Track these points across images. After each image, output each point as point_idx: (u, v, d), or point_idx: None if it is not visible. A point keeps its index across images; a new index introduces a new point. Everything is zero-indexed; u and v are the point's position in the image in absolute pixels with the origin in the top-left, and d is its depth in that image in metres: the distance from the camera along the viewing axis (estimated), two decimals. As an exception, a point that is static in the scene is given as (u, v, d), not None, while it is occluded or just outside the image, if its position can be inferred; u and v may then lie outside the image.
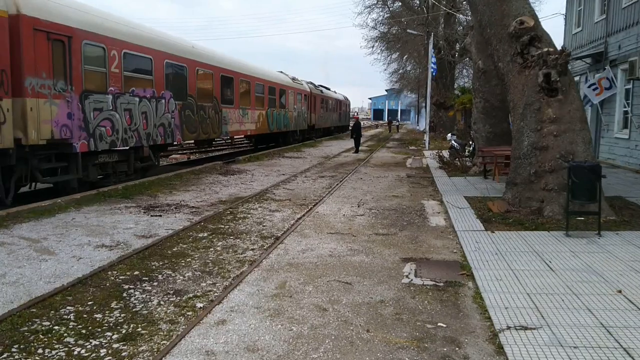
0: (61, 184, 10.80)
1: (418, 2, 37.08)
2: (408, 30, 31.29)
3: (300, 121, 30.40)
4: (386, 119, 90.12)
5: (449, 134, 22.49)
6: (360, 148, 26.62)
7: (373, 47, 41.21)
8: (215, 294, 5.28)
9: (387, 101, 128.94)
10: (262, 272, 5.99)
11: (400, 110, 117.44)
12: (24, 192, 11.05)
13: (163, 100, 14.04)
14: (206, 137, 17.61)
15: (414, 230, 8.28)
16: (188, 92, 15.55)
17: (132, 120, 12.60)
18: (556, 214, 8.64)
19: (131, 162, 13.06)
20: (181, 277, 5.80)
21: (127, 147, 12.59)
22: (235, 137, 22.12)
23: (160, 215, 9.07)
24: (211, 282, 5.64)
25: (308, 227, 8.41)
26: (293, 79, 29.90)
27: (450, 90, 35.80)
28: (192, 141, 18.29)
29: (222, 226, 8.41)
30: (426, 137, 29.09)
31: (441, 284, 5.65)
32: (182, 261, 6.42)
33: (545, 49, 9.37)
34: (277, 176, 15.21)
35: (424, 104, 56.64)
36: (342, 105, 46.26)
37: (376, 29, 39.01)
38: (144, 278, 5.75)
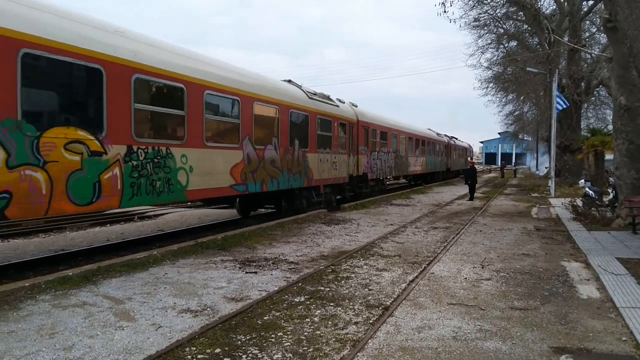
0: (357, 193, 20.88)
1: (537, 40, 34.62)
2: (528, 69, 28.98)
3: (442, 164, 41.32)
4: (499, 163, 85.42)
5: (582, 180, 19.82)
6: (475, 195, 24.57)
7: (487, 87, 39.17)
8: (307, 391, 4.11)
9: (500, 144, 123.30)
10: (367, 360, 4.73)
11: (515, 154, 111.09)
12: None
13: (390, 153, 25.20)
14: (400, 174, 29.05)
15: (560, 304, 6.55)
16: (397, 147, 26.83)
17: (380, 164, 23.41)
18: None
19: (379, 185, 24.26)
20: (268, 361, 4.72)
21: (378, 178, 23.45)
22: (411, 174, 32.52)
23: (256, 272, 8.18)
24: (303, 372, 4.49)
25: (423, 294, 7.02)
26: (437, 134, 40.44)
27: (576, 132, 32.46)
28: (393, 176, 28.23)
29: (322, 288, 7.30)
30: (551, 183, 26.24)
31: (620, 397, 4.01)
32: (273, 335, 5.36)
33: None
34: (384, 227, 13.94)
35: (544, 147, 52.50)
36: (466, 152, 56.37)
37: (490, 69, 37.02)
38: (225, 359, 4.75)
